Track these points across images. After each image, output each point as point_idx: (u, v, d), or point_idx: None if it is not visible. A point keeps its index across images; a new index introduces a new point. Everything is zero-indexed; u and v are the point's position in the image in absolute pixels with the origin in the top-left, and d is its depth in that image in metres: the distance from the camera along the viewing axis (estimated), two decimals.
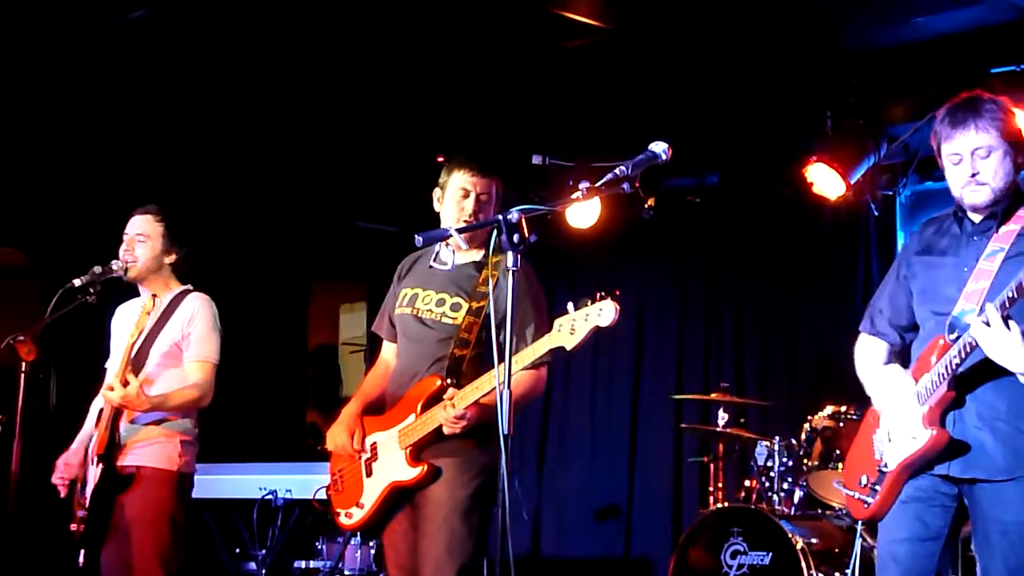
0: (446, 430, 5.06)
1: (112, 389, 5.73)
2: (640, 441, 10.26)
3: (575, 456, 10.51)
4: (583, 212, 9.40)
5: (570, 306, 4.70)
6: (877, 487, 4.52)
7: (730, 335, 10.05)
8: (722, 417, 8.31)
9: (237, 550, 8.74)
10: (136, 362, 5.91)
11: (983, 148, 4.40)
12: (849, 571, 7.13)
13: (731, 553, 7.60)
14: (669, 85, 8.47)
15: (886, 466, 4.50)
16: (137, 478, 5.83)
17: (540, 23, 7.55)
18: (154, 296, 6.04)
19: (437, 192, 5.49)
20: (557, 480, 10.53)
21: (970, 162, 4.42)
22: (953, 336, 4.31)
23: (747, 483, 8.09)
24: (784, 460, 7.79)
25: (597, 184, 4.24)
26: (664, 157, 4.30)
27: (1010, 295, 4.10)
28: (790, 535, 7.36)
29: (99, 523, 5.79)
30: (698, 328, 10.21)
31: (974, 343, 4.21)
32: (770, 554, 7.48)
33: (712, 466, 8.54)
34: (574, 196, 4.31)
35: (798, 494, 7.79)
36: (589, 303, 4.66)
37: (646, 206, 9.11)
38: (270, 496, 8.43)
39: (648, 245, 10.36)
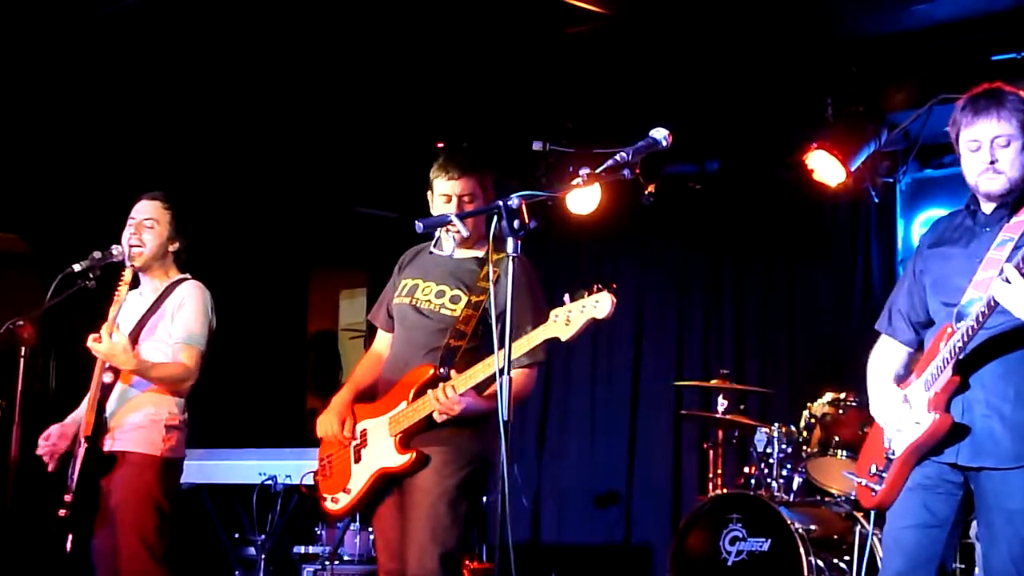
0: (437, 416, 5.06)
1: (99, 340, 5.72)
2: (640, 428, 10.27)
3: (575, 443, 10.52)
4: (584, 198, 9.40)
5: (566, 297, 4.71)
6: (884, 474, 4.55)
7: (730, 322, 10.06)
8: (722, 404, 8.31)
9: (237, 535, 8.75)
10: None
11: (1003, 137, 4.43)
12: (853, 559, 7.16)
13: (730, 539, 7.61)
14: (670, 71, 8.45)
15: (893, 453, 4.52)
16: (121, 463, 5.81)
17: (541, 9, 7.53)
18: (132, 266, 6.03)
19: (429, 193, 5.50)
20: (557, 467, 10.55)
21: (989, 150, 4.45)
22: (960, 325, 4.33)
23: (746, 470, 8.11)
24: (783, 447, 7.79)
25: (597, 170, 4.24)
26: (664, 143, 4.30)
27: None
28: (789, 522, 7.36)
29: (86, 507, 5.77)
30: (698, 315, 10.22)
31: (976, 325, 4.24)
32: (769, 540, 7.49)
33: (711, 453, 8.55)
34: (574, 182, 4.32)
35: (797, 481, 7.80)
36: (586, 295, 4.67)
37: (646, 192, 9.12)
38: (270, 481, 8.43)
39: (649, 232, 10.36)
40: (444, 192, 5.36)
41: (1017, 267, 4.13)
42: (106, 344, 5.70)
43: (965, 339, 4.29)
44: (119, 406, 5.89)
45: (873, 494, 4.60)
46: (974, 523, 6.18)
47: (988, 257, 4.42)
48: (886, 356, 4.85)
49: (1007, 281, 4.13)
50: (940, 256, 4.65)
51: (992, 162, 4.44)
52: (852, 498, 7.40)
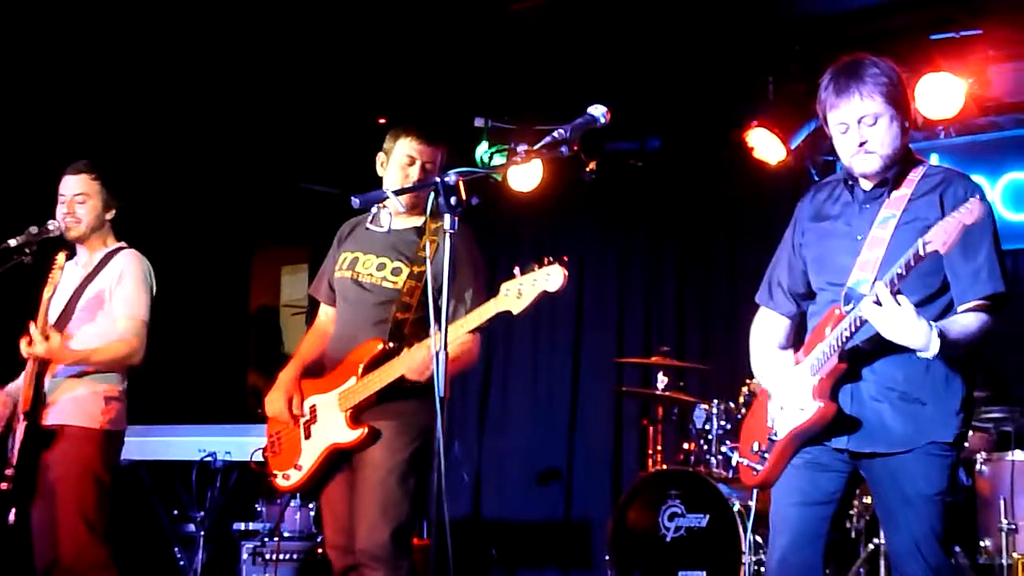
0: (410, 375, 5.02)
1: (32, 344, 5.69)
2: (581, 404, 10.31)
3: (516, 419, 10.54)
4: (525, 175, 9.42)
5: (517, 271, 4.72)
6: (767, 455, 4.47)
7: (671, 299, 10.11)
8: (662, 380, 8.36)
9: (176, 512, 8.71)
10: (62, 317, 5.87)
11: (869, 116, 4.30)
12: (748, 535, 7.22)
13: (669, 515, 7.67)
14: (613, 49, 8.46)
15: (776, 435, 4.45)
16: (61, 436, 5.78)
17: None
18: (64, 253, 6.00)
19: (381, 157, 5.49)
20: (498, 443, 10.56)
21: (857, 130, 4.33)
22: (848, 307, 4.26)
23: (685, 446, 8.15)
24: (722, 423, 7.84)
25: (535, 147, 4.25)
26: (603, 120, 4.30)
27: (899, 271, 4.07)
28: (727, 498, 7.42)
29: (26, 481, 5.73)
30: (639, 292, 10.26)
31: (860, 324, 4.19)
32: (707, 516, 7.55)
33: (651, 429, 8.59)
34: (513, 159, 4.32)
35: (736, 457, 7.83)
36: (537, 267, 4.68)
37: (588, 169, 9.14)
38: (209, 458, 8.41)
39: (590, 208, 10.38)
40: (409, 153, 5.37)
41: (891, 283, 4.07)
42: (41, 348, 5.71)
43: (852, 330, 4.22)
44: (58, 380, 5.86)
45: (755, 473, 4.52)
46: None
47: (872, 236, 4.35)
48: (768, 327, 4.81)
49: (877, 303, 4.05)
50: (821, 232, 4.57)
51: (862, 143, 4.32)
52: None
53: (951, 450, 4.32)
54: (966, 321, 4.23)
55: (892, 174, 4.40)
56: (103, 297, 5.95)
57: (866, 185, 4.46)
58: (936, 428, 4.30)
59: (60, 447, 5.78)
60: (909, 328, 4.04)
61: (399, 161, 5.38)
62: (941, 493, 4.30)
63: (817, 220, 4.61)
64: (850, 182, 4.51)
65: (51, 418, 5.80)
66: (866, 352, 4.31)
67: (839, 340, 4.26)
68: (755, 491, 7.06)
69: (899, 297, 4.04)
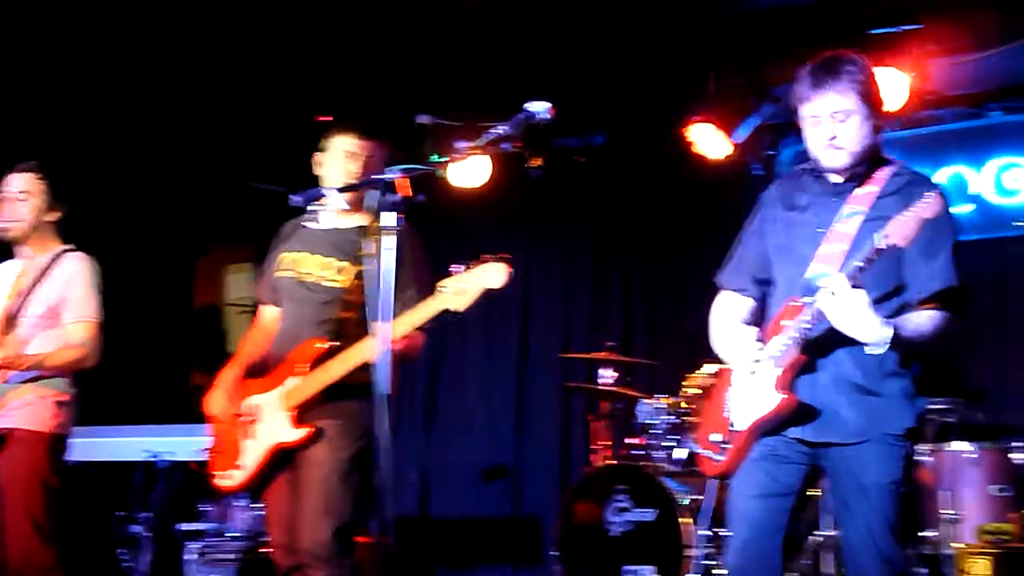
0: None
1: None
2: (528, 400, 10.31)
3: (463, 417, 10.53)
4: (471, 172, 9.42)
5: (459, 268, 4.72)
6: (727, 445, 4.50)
7: (617, 294, 10.14)
8: (608, 376, 8.37)
9: (121, 513, 8.65)
10: (11, 322, 5.83)
11: (841, 112, 4.35)
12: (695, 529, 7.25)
13: (615, 510, 7.68)
14: (557, 45, 8.46)
15: (736, 425, 4.47)
16: (10, 440, 5.77)
17: None
18: (7, 239, 5.97)
19: (318, 156, 5.48)
20: (445, 440, 10.54)
21: (829, 125, 4.37)
22: (807, 299, 4.29)
23: (631, 441, 8.15)
24: (667, 418, 7.85)
25: (476, 144, 4.25)
26: (545, 116, 4.31)
27: (860, 265, 4.11)
28: (673, 492, 7.44)
29: None
30: (585, 288, 10.28)
31: (818, 319, 4.22)
32: (654, 511, 7.57)
33: (597, 425, 8.61)
34: (454, 156, 4.33)
35: (682, 452, 7.85)
36: (478, 265, 4.69)
37: (533, 166, 9.15)
38: (153, 458, 8.36)
39: (536, 205, 10.37)
40: (347, 149, 5.39)
41: (851, 276, 4.10)
42: None
43: (813, 322, 4.25)
44: (8, 385, 5.83)
45: (715, 463, 4.54)
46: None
47: (834, 230, 4.40)
48: (730, 307, 4.81)
49: (834, 295, 4.09)
50: (786, 221, 4.60)
51: (832, 138, 4.37)
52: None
53: (905, 441, 4.37)
54: (920, 320, 4.27)
55: (860, 170, 4.44)
56: (53, 302, 5.92)
57: (835, 179, 4.49)
58: (890, 420, 4.34)
59: (9, 451, 5.77)
60: (862, 321, 4.10)
61: (337, 158, 5.39)
62: (896, 483, 4.34)
63: (785, 209, 4.64)
64: (818, 174, 4.55)
65: (0, 422, 5.78)
66: (824, 344, 4.34)
67: (799, 332, 4.30)
68: (707, 483, 7.09)
69: (856, 291, 4.08)
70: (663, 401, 7.84)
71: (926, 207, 4.03)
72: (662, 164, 9.72)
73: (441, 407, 10.67)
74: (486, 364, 10.55)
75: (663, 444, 7.83)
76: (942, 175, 8.78)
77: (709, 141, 8.60)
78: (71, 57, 8.40)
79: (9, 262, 6.14)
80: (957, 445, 7.28)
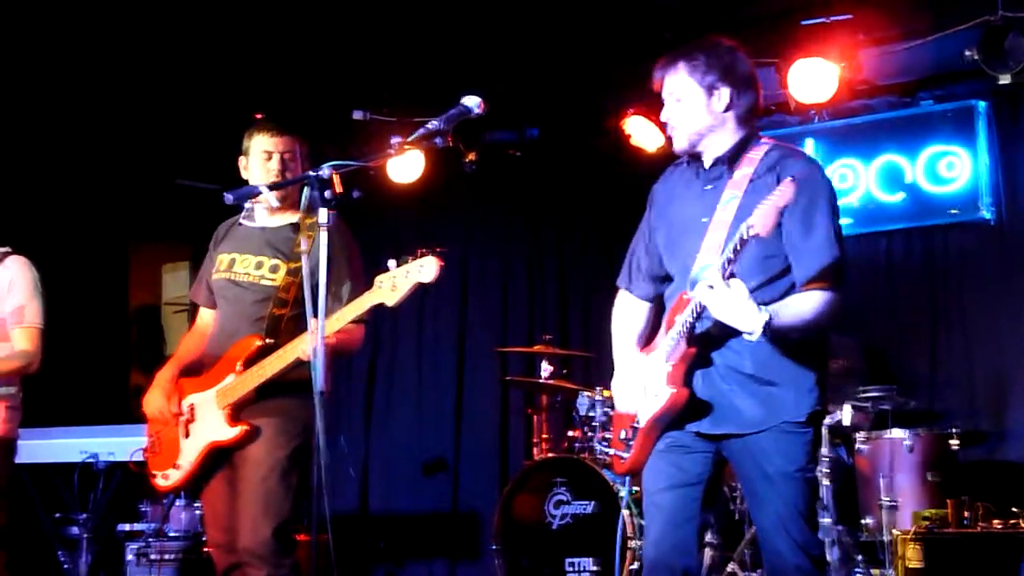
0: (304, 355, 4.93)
1: None
2: (466, 394, 10.30)
3: (402, 411, 10.51)
4: (405, 167, 9.41)
5: (392, 263, 4.74)
6: (631, 442, 4.49)
7: (553, 287, 10.14)
8: (546, 369, 8.39)
9: (58, 514, 8.60)
10: None
11: (675, 95, 4.45)
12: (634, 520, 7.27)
13: (555, 503, 7.71)
14: (490, 38, 8.46)
15: (638, 422, 4.47)
16: None
17: None
18: None
19: (242, 160, 5.48)
20: (384, 435, 10.53)
21: (669, 108, 4.49)
22: (694, 295, 4.29)
23: (570, 433, 8.17)
24: (605, 410, 7.85)
25: (409, 139, 4.27)
26: (476, 111, 4.33)
27: (729, 256, 4.12)
28: (612, 484, 7.46)
29: None
30: (522, 281, 10.28)
31: (700, 310, 4.25)
32: (593, 503, 7.60)
33: (536, 418, 8.62)
34: (387, 151, 4.33)
35: (607, 448, 7.86)
36: (411, 260, 4.70)
37: (468, 160, 9.17)
38: (91, 459, 8.31)
39: (472, 199, 10.37)
40: (265, 148, 5.37)
41: (723, 266, 4.10)
42: None
43: (695, 314, 4.28)
44: None
45: (622, 461, 4.53)
46: None
47: (716, 218, 4.39)
48: (628, 313, 4.84)
49: (711, 287, 4.11)
50: (671, 215, 4.62)
51: (668, 120, 4.47)
52: None
53: (807, 427, 4.38)
54: (799, 302, 4.26)
55: (729, 154, 4.45)
56: None
57: (706, 163, 4.51)
58: (788, 408, 4.35)
59: None
60: (739, 311, 4.09)
61: (258, 158, 5.39)
62: (801, 470, 4.37)
63: (668, 203, 4.67)
64: (693, 162, 4.57)
65: None
66: (714, 336, 4.36)
67: (686, 325, 4.31)
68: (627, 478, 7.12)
69: (731, 281, 4.08)
70: (603, 393, 7.83)
71: (780, 196, 4.01)
72: (597, 157, 9.74)
73: (379, 402, 10.63)
74: (424, 358, 10.53)
75: (603, 436, 7.84)
76: (876, 164, 8.83)
77: (644, 133, 8.63)
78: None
79: None
80: (893, 433, 7.35)
